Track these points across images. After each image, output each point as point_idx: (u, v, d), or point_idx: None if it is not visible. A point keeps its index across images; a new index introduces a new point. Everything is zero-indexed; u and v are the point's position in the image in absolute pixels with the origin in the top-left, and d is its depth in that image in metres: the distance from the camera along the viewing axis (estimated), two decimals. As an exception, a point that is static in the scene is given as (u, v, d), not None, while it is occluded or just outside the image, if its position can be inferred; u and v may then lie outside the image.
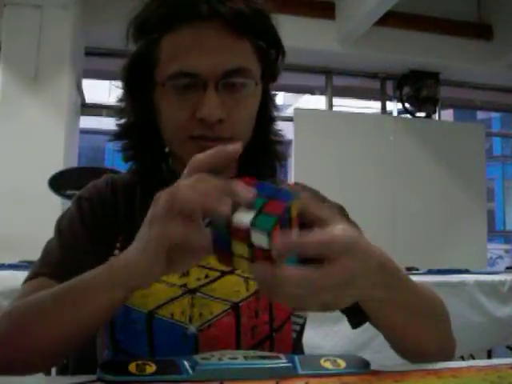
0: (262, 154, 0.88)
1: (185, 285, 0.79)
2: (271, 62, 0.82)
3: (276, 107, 0.90)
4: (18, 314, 0.68)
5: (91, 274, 0.62)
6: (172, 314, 0.77)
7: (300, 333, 0.87)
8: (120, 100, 0.86)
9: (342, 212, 0.93)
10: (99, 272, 0.61)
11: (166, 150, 0.89)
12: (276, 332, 0.80)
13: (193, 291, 0.79)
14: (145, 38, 0.77)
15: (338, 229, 0.51)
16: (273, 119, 0.90)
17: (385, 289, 0.57)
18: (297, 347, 0.85)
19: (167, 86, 0.75)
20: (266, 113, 0.87)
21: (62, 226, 0.85)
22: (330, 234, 0.50)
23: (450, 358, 0.72)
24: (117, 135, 0.87)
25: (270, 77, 0.84)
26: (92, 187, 0.89)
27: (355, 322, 0.87)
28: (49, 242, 0.85)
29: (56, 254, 0.81)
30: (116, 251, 0.82)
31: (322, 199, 0.93)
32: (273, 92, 0.89)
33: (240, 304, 0.79)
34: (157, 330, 0.75)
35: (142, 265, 0.55)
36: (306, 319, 0.89)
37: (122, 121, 0.87)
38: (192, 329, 0.77)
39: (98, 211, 0.85)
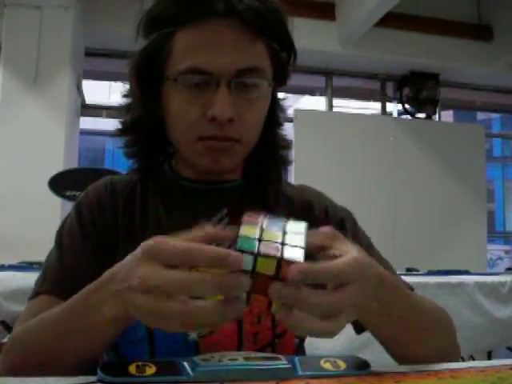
0: (268, 159, 0.87)
1: None
2: (283, 64, 0.81)
3: (283, 111, 0.88)
4: (22, 343, 0.69)
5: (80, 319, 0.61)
6: None
7: (303, 339, 0.87)
8: (125, 95, 0.84)
9: (349, 217, 0.92)
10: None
11: (170, 149, 0.89)
12: (278, 338, 0.79)
13: None
14: (157, 32, 0.75)
15: (346, 257, 0.53)
16: (279, 124, 0.88)
17: (379, 301, 0.58)
18: (299, 352, 0.84)
19: (178, 82, 0.74)
20: (273, 117, 0.85)
21: (62, 237, 0.84)
22: (341, 263, 0.52)
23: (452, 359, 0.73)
24: (121, 131, 0.85)
25: (280, 80, 0.83)
26: (91, 192, 0.88)
27: (359, 328, 0.87)
28: (49, 254, 0.84)
29: (55, 269, 0.81)
30: (118, 257, 0.81)
31: (327, 203, 0.92)
32: (280, 96, 0.87)
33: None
34: (157, 336, 0.74)
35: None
36: None
37: (127, 117, 0.85)
38: (193, 335, 0.76)
39: (98, 218, 0.84)
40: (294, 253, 0.50)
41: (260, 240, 0.50)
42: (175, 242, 0.52)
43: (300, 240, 0.51)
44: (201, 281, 0.49)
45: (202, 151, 0.78)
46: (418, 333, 0.68)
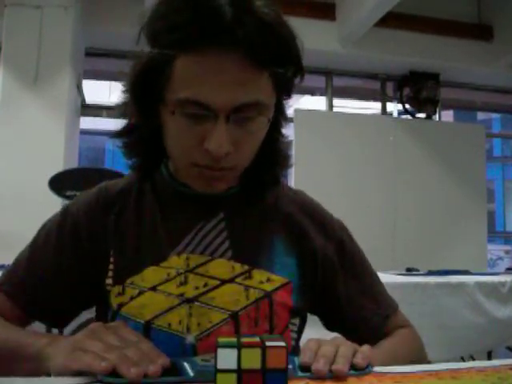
0: (266, 165, 0.85)
1: (182, 294, 0.79)
2: (289, 82, 0.78)
3: (285, 118, 0.85)
4: None
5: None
6: (169, 324, 0.77)
7: (297, 339, 0.87)
8: (124, 103, 0.81)
9: (347, 236, 0.93)
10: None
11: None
12: None
13: (190, 300, 0.78)
14: (159, 49, 0.71)
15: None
16: (280, 132, 0.86)
17: None
18: (296, 354, 0.85)
19: (176, 111, 0.71)
20: (276, 126, 0.83)
21: (37, 239, 0.87)
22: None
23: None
24: (119, 133, 0.84)
25: (285, 94, 0.80)
26: (82, 201, 0.87)
27: (330, 326, 0.92)
28: (22, 252, 0.87)
29: (21, 271, 0.84)
30: (111, 265, 0.82)
31: (324, 219, 0.92)
32: (285, 98, 0.82)
33: (239, 313, 0.78)
34: (154, 340, 0.73)
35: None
36: (302, 323, 0.89)
37: (125, 117, 0.84)
38: (191, 339, 0.76)
39: (82, 230, 0.84)
40: (275, 342, 0.52)
41: (239, 341, 0.52)
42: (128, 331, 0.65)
43: (277, 337, 0.57)
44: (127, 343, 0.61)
45: (196, 176, 0.78)
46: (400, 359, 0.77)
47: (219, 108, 0.69)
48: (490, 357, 2.66)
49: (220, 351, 0.50)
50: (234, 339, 0.52)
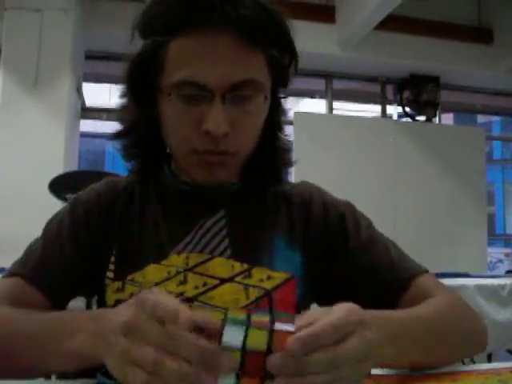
0: (267, 161, 0.85)
1: (182, 293, 0.78)
2: (283, 69, 0.78)
3: (284, 113, 0.86)
4: None
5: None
6: None
7: None
8: (122, 100, 0.82)
9: (349, 210, 0.92)
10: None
11: (168, 150, 0.88)
12: None
13: (190, 300, 0.78)
14: (151, 38, 0.73)
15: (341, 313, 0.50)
16: (280, 126, 0.86)
17: (392, 344, 0.57)
18: None
19: (171, 94, 0.72)
20: (274, 119, 0.83)
21: (50, 228, 0.85)
22: (338, 317, 0.49)
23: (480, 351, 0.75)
24: (118, 134, 0.85)
25: (281, 83, 0.81)
26: (91, 192, 0.88)
27: None
28: (35, 241, 0.85)
29: (37, 257, 0.81)
30: (112, 258, 0.82)
31: (326, 198, 0.92)
32: (282, 96, 0.84)
33: None
34: None
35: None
36: None
37: (124, 120, 0.84)
38: None
39: (94, 218, 0.84)
40: (285, 326, 0.48)
41: (249, 319, 0.49)
42: (169, 303, 0.51)
43: (288, 318, 0.50)
44: (181, 343, 0.47)
45: (196, 163, 0.77)
46: (440, 345, 0.66)
47: (215, 87, 0.70)
48: (490, 360, 2.65)
49: (227, 328, 0.49)
50: (243, 315, 0.50)
